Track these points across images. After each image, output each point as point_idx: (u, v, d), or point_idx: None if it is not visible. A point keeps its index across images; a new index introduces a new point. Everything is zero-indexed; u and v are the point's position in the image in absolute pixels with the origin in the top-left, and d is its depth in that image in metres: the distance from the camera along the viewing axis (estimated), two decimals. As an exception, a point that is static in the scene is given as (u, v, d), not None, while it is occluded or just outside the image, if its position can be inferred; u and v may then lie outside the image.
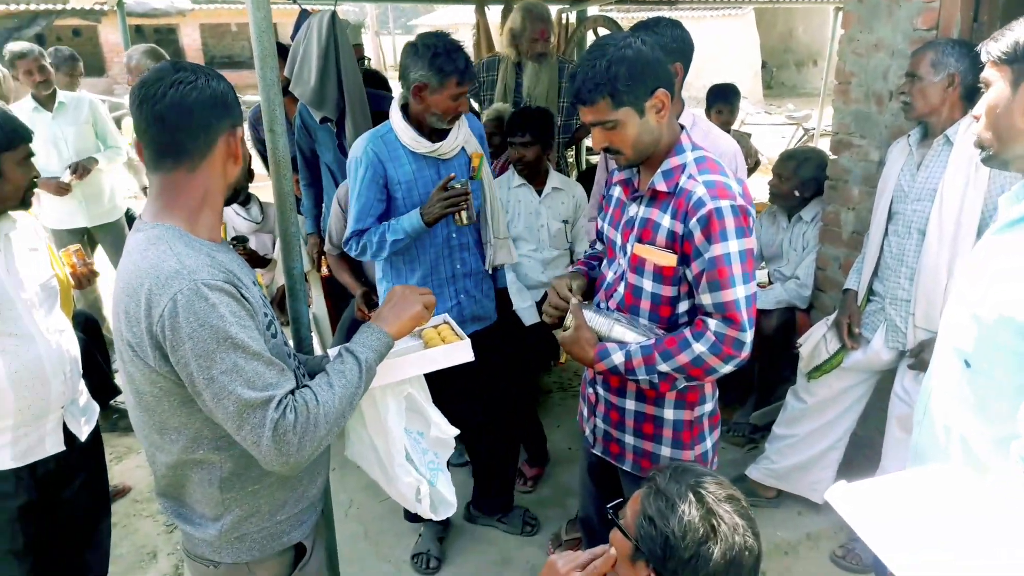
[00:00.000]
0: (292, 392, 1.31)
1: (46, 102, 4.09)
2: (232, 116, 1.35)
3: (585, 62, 1.60)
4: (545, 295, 3.29)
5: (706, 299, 1.60)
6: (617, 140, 1.62)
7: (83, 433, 2.10)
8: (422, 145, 2.33)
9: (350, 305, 3.34)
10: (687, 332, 1.62)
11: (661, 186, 1.65)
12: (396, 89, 3.17)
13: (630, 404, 1.82)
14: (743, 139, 5.05)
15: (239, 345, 1.24)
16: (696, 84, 17.17)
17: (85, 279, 2.49)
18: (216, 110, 1.31)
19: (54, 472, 2.03)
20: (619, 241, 1.79)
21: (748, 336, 1.59)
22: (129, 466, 3.50)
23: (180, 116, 1.27)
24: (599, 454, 1.94)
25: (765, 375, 3.42)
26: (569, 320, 1.73)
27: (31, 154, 1.94)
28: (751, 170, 5.23)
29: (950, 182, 2.23)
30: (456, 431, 1.67)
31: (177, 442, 1.35)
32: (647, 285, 1.70)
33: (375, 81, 4.23)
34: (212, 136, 1.31)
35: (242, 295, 1.29)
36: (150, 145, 1.31)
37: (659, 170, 1.66)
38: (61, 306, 2.12)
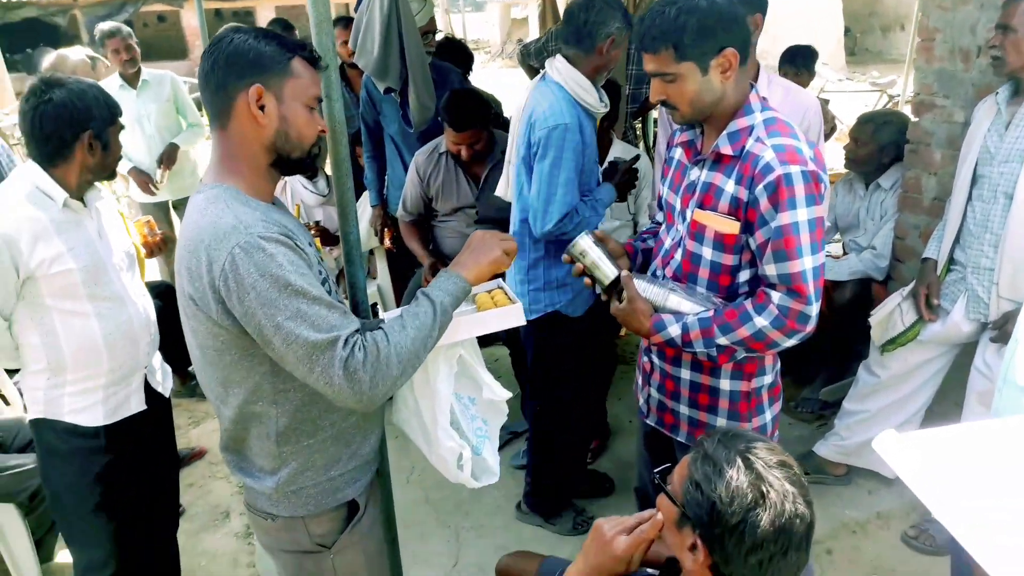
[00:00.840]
0: (360, 332, 1.33)
1: (132, 80, 4.29)
2: (254, 74, 1.32)
3: (655, 7, 1.53)
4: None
5: (771, 270, 1.53)
6: (675, 95, 1.56)
7: (166, 390, 2.23)
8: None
9: (415, 275, 3.39)
10: (748, 304, 1.56)
11: (726, 149, 1.58)
12: (479, 59, 3.16)
13: (685, 374, 1.78)
14: (822, 104, 4.83)
15: (300, 291, 1.26)
16: (773, 51, 16.55)
17: (156, 248, 2.61)
18: (232, 68, 1.31)
19: (136, 430, 2.14)
20: (679, 206, 1.73)
21: (814, 309, 1.52)
22: (206, 430, 3.67)
23: (205, 79, 1.34)
24: (653, 424, 1.91)
25: (838, 349, 3.29)
26: (620, 287, 1.68)
27: (122, 127, 2.04)
28: (827, 136, 5.01)
29: (1043, 142, 2.07)
30: (508, 394, 1.66)
31: (238, 395, 1.40)
32: (707, 253, 1.64)
33: (457, 51, 4.20)
34: (230, 95, 1.32)
35: (297, 245, 1.32)
36: (204, 107, 1.37)
37: (724, 132, 1.59)
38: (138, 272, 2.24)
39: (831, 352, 3.31)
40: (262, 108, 1.33)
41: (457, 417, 1.57)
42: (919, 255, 2.67)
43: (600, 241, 1.77)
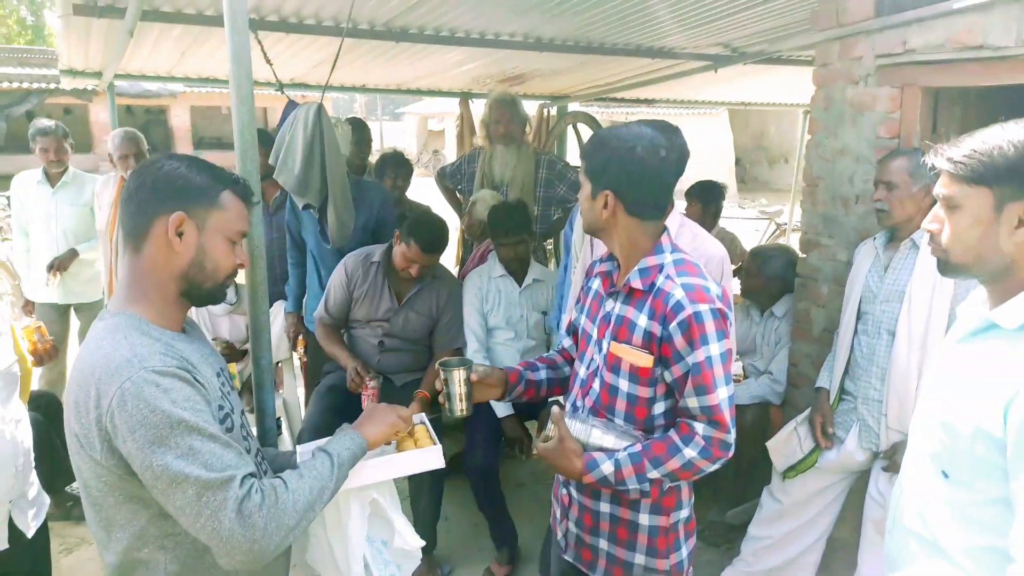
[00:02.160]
0: (255, 475, 1.27)
1: (53, 177, 4.19)
2: (177, 201, 1.31)
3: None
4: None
5: (692, 403, 1.59)
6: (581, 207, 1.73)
7: (30, 529, 2.01)
8: None
9: (324, 378, 3.30)
10: (675, 437, 1.60)
11: (636, 283, 1.65)
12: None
13: (605, 507, 1.77)
14: (732, 240, 5.07)
15: (193, 427, 1.20)
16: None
17: (46, 355, 2.45)
18: (160, 193, 1.31)
19: None
20: (595, 335, 1.78)
21: (732, 436, 1.59)
22: (81, 558, 3.31)
23: (127, 198, 1.32)
24: (571, 560, 1.87)
25: (739, 471, 3.38)
26: (551, 430, 1.65)
27: None
28: (737, 271, 5.30)
29: (918, 285, 2.28)
30: (422, 542, 1.61)
31: (122, 540, 1.30)
32: (623, 385, 1.68)
33: (400, 163, 4.31)
34: (148, 218, 1.31)
35: (196, 380, 1.26)
36: (120, 226, 1.36)
37: (636, 267, 1.67)
38: (20, 390, 2.06)
39: (734, 474, 3.39)
40: (180, 235, 1.31)
41: (368, 562, 1.50)
42: (812, 381, 2.82)
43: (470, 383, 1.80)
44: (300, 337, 3.80)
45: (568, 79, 5.51)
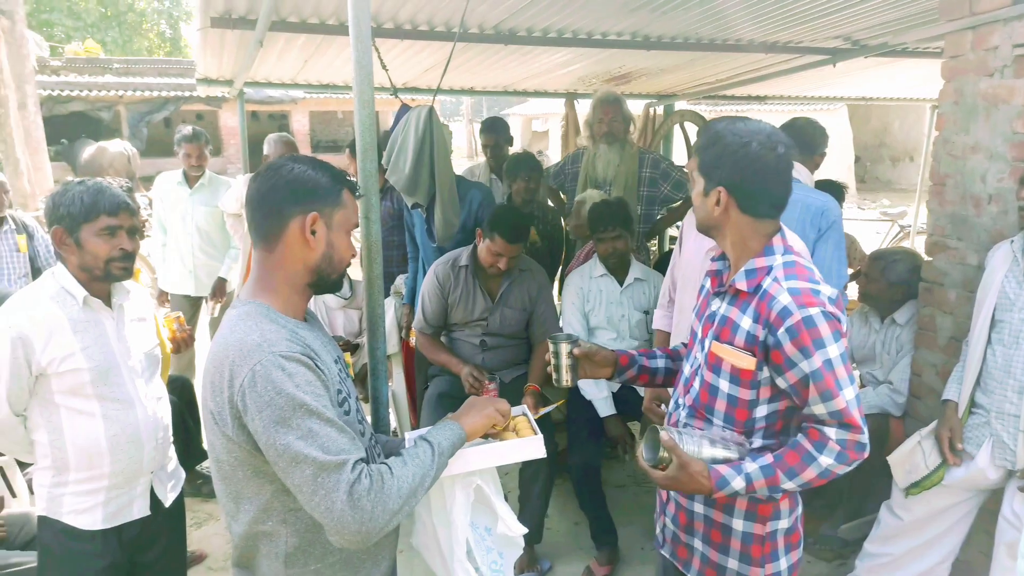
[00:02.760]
0: (365, 461, 1.34)
1: (191, 179, 4.59)
2: (311, 202, 1.40)
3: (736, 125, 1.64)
4: (622, 387, 3.26)
5: (819, 409, 1.53)
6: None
7: (168, 499, 2.17)
8: None
9: (431, 383, 3.40)
10: (807, 445, 1.54)
11: (742, 285, 1.62)
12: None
13: (698, 508, 1.75)
14: (851, 243, 4.85)
15: (313, 411, 1.28)
16: (785, 177, 17.07)
17: (183, 343, 2.65)
18: (291, 196, 1.39)
19: (137, 536, 2.11)
20: (700, 334, 1.76)
21: (866, 436, 1.53)
22: (208, 532, 3.58)
23: (260, 200, 1.41)
24: (667, 556, 1.86)
25: (856, 485, 3.22)
26: (666, 456, 1.59)
27: (118, 228, 1.97)
28: (857, 274, 5.05)
29: (1062, 293, 2.10)
30: (524, 530, 1.64)
31: (248, 512, 1.40)
32: (724, 386, 1.66)
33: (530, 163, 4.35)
34: (283, 219, 1.39)
35: (317, 366, 1.34)
36: (249, 227, 1.44)
37: (743, 268, 1.64)
38: (161, 372, 2.25)
39: (849, 487, 3.24)
40: (314, 233, 1.40)
41: (472, 548, 1.54)
42: (937, 392, 2.65)
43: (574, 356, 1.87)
44: (412, 328, 3.92)
45: (675, 77, 5.41)
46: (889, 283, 3.19)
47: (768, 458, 1.57)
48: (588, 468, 3.09)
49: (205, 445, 1.45)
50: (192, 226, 4.57)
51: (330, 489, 1.27)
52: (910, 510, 2.55)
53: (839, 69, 4.65)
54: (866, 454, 1.54)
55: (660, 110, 6.34)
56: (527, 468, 3.16)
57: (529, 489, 3.07)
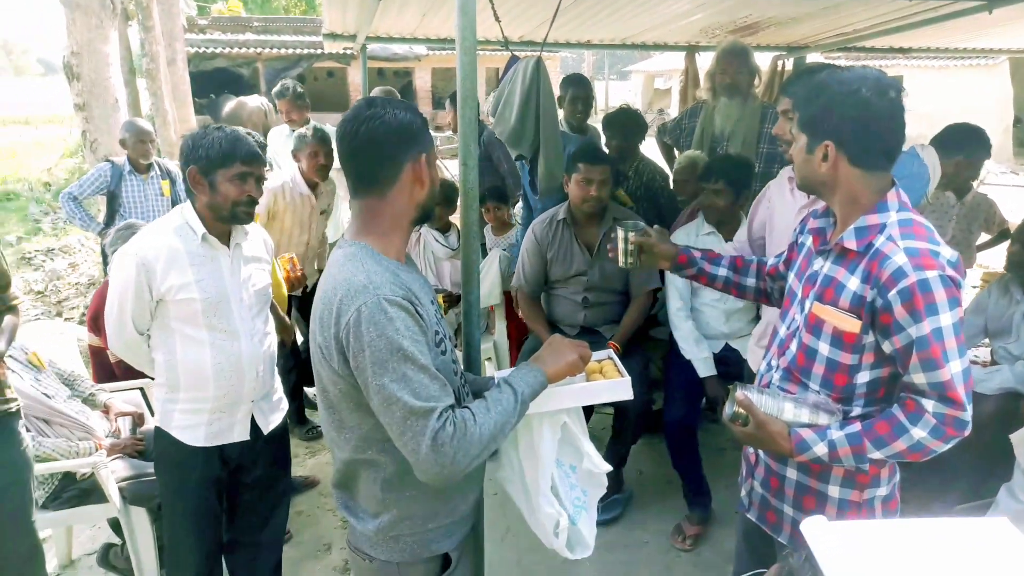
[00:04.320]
0: (452, 408, 1.40)
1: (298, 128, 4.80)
2: (418, 144, 1.47)
3: (832, 75, 1.54)
4: (724, 346, 3.19)
5: (919, 379, 1.45)
6: (787, 137, 1.66)
7: (267, 427, 2.33)
8: None
9: (529, 337, 3.47)
10: (900, 415, 1.47)
11: (851, 243, 1.53)
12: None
13: (791, 473, 1.70)
14: (990, 207, 4.48)
15: (409, 357, 1.34)
16: (932, 136, 15.68)
17: (296, 282, 2.83)
18: (402, 141, 1.45)
19: (239, 457, 2.30)
20: (799, 294, 1.69)
21: (969, 414, 1.44)
22: (321, 461, 3.86)
23: (370, 149, 1.44)
24: (754, 520, 1.83)
25: (975, 465, 3.00)
26: (741, 413, 1.57)
27: (249, 175, 2.10)
28: (997, 240, 4.64)
29: None
30: (608, 467, 1.66)
31: (351, 440, 1.49)
32: (823, 348, 1.58)
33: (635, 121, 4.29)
34: (399, 164, 1.45)
35: (417, 311, 1.40)
36: (350, 175, 1.49)
37: (852, 226, 1.54)
38: (278, 303, 2.41)
39: (968, 468, 3.03)
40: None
41: (557, 484, 1.59)
42: (1080, 373, 2.42)
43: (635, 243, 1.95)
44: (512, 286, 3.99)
45: (807, 27, 5.06)
46: None
47: (856, 425, 1.50)
48: (684, 427, 3.06)
49: (315, 377, 1.55)
50: None
51: (417, 432, 1.34)
52: (1033, 495, 2.37)
53: (996, 17, 4.18)
54: (966, 432, 1.44)
55: (790, 64, 5.98)
56: (618, 420, 3.18)
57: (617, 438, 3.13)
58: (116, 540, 2.91)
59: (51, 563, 3.00)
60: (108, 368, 3.13)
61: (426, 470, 1.37)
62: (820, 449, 1.51)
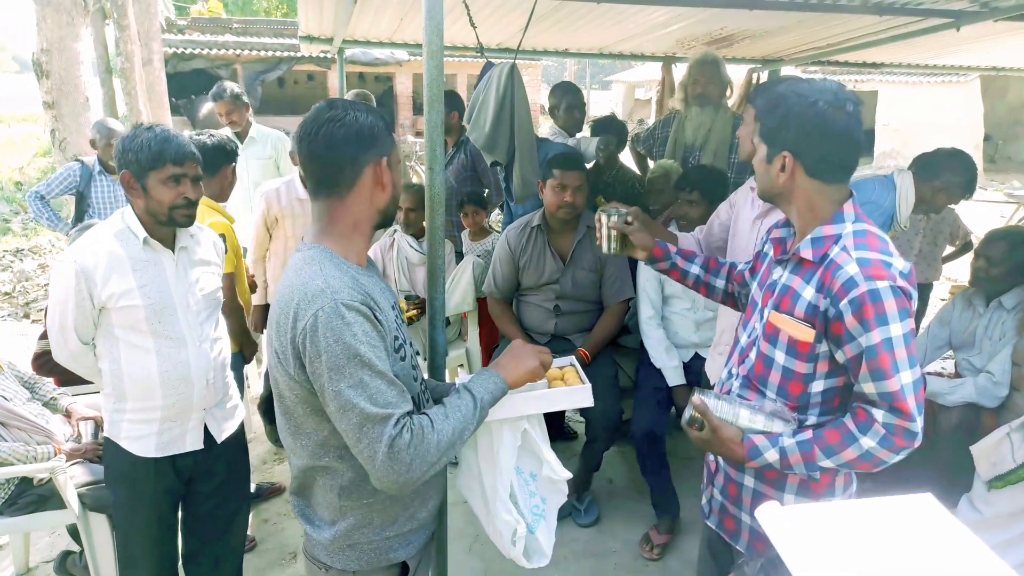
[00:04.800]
0: (410, 414, 1.38)
1: (240, 135, 4.72)
2: (379, 147, 1.45)
3: (789, 87, 1.54)
4: (694, 356, 3.20)
5: (868, 388, 1.46)
6: (748, 150, 1.66)
7: (221, 435, 2.26)
8: None
9: (500, 343, 3.46)
10: (850, 424, 1.49)
11: (807, 253, 1.55)
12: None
13: (748, 481, 1.71)
14: (955, 220, 4.60)
15: (366, 362, 1.33)
16: (904, 152, 15.96)
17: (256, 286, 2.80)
18: (362, 143, 1.42)
19: (193, 466, 2.23)
20: (759, 303, 1.71)
21: (919, 425, 1.44)
22: (287, 468, 3.80)
23: (329, 152, 1.42)
24: (714, 527, 1.83)
25: (937, 476, 3.04)
26: (698, 416, 1.59)
27: (182, 176, 2.03)
28: (960, 251, 4.74)
29: None
30: (568, 474, 1.65)
31: (307, 447, 1.47)
32: (779, 357, 1.60)
33: (616, 127, 4.38)
34: (359, 167, 1.43)
35: (376, 316, 1.38)
36: (309, 177, 1.47)
37: (808, 236, 1.57)
38: (244, 307, 2.36)
39: (930, 479, 3.06)
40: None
41: (515, 491, 1.58)
42: (1039, 385, 2.46)
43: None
44: (484, 291, 3.98)
45: (782, 40, 5.12)
46: (1013, 265, 2.96)
47: (807, 433, 1.52)
48: (652, 436, 3.07)
49: (271, 382, 1.52)
50: (249, 181, 4.66)
51: (373, 440, 1.32)
52: (992, 504, 2.40)
53: (964, 35, 4.26)
54: (916, 443, 1.45)
55: (764, 76, 6.05)
56: (589, 428, 3.19)
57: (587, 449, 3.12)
58: (75, 547, 2.85)
59: (8, 571, 2.93)
60: (53, 373, 3.03)
61: (382, 477, 1.36)
62: (771, 455, 1.53)
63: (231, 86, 4.76)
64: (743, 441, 1.55)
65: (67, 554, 2.86)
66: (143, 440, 2.12)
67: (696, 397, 1.59)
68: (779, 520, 0.88)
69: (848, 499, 1.68)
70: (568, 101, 4.08)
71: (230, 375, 2.34)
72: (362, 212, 1.48)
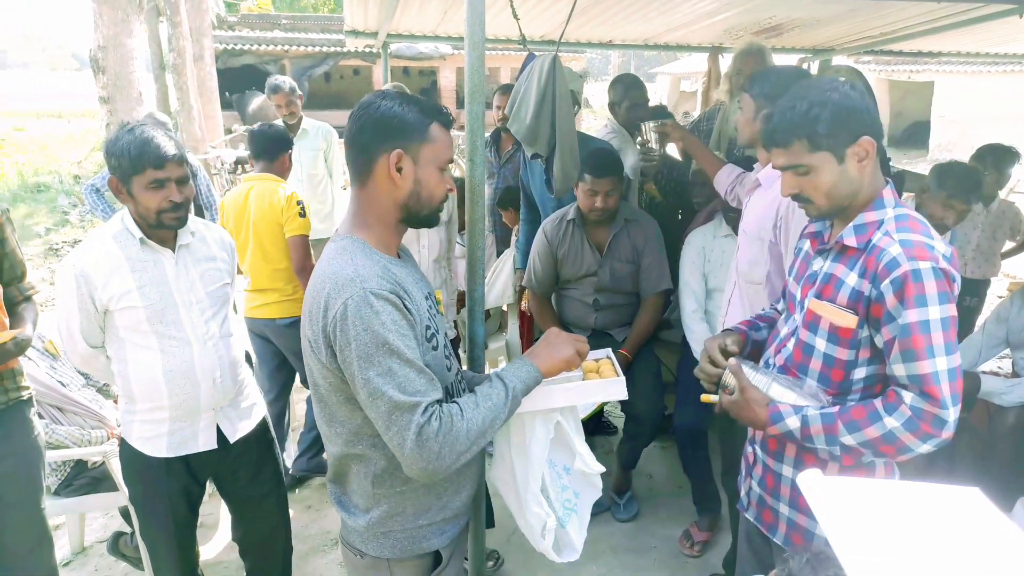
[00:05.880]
0: (439, 403, 1.39)
1: (292, 128, 4.84)
2: (399, 138, 1.41)
3: (783, 103, 1.53)
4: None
5: (899, 370, 1.43)
6: (809, 187, 1.53)
7: (234, 435, 2.22)
8: None
9: (538, 337, 3.45)
10: (878, 403, 1.46)
11: (851, 240, 1.53)
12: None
13: (787, 470, 1.68)
14: (1016, 214, 4.43)
15: (395, 351, 1.33)
16: (961, 144, 15.38)
17: None
18: (378, 133, 1.42)
19: (211, 467, 2.22)
20: (798, 295, 1.68)
21: (951, 414, 1.40)
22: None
23: (351, 139, 1.45)
24: (752, 519, 1.81)
25: (996, 479, 2.93)
26: (730, 380, 1.61)
27: (166, 180, 1.95)
28: (1021, 247, 4.56)
29: None
30: (601, 468, 1.64)
31: (341, 435, 1.49)
32: (820, 344, 1.57)
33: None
34: (372, 156, 1.43)
35: (405, 306, 1.39)
36: (347, 164, 1.48)
37: (851, 223, 1.54)
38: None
39: (988, 480, 2.95)
40: (400, 170, 1.43)
41: (547, 485, 1.57)
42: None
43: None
44: (526, 291, 3.94)
45: (833, 29, 4.99)
46: None
47: (834, 408, 1.50)
48: (695, 432, 3.03)
49: (306, 371, 1.54)
50: (302, 173, 4.79)
51: (402, 427, 1.33)
52: (1050, 510, 2.30)
53: (1029, 20, 4.09)
54: (945, 434, 1.40)
55: (815, 66, 5.89)
56: (630, 423, 3.16)
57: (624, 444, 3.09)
58: (127, 528, 2.95)
59: (64, 549, 3.05)
60: None
61: (411, 465, 1.36)
62: (793, 422, 1.52)
63: (288, 80, 4.90)
64: (768, 405, 1.56)
65: (119, 535, 2.95)
66: (154, 440, 2.10)
67: (733, 360, 1.61)
68: (821, 489, 0.87)
69: None
70: (632, 97, 3.90)
71: (245, 373, 2.30)
72: (382, 204, 1.47)
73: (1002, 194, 4.53)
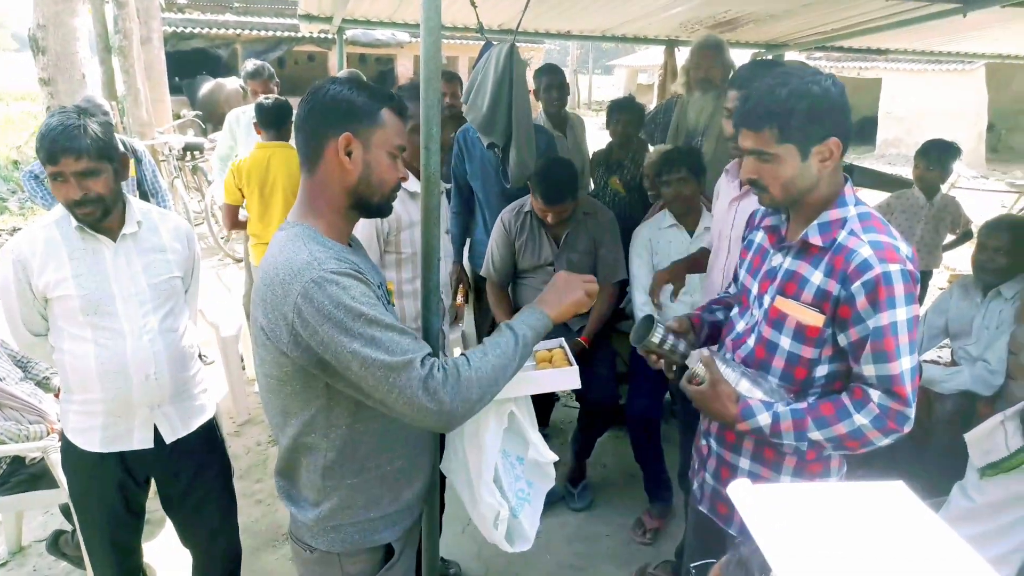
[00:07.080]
0: (435, 355, 1.36)
1: None
2: (346, 123, 1.39)
3: (763, 85, 1.49)
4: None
5: (868, 370, 1.46)
6: (769, 175, 1.51)
7: (171, 436, 2.09)
8: None
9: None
10: (846, 400, 1.49)
11: (815, 239, 1.53)
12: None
13: (744, 463, 1.70)
14: (956, 208, 4.59)
15: (373, 320, 1.30)
16: (907, 141, 15.87)
17: None
18: (327, 117, 1.40)
19: (149, 466, 2.11)
20: (755, 291, 1.69)
21: (912, 411, 1.46)
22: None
23: (300, 124, 1.43)
24: (705, 511, 1.83)
25: (930, 464, 3.04)
26: (701, 371, 1.59)
27: (63, 174, 1.83)
28: (960, 240, 4.72)
29: None
30: (554, 456, 1.64)
31: (295, 425, 1.45)
32: (784, 343, 1.58)
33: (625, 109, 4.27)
34: (321, 141, 1.41)
35: (368, 281, 1.37)
36: (297, 151, 1.46)
37: (815, 221, 1.54)
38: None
39: (925, 467, 3.06)
40: (349, 154, 1.40)
41: (500, 475, 1.57)
42: (1036, 375, 2.44)
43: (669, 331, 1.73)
44: (462, 285, 3.90)
45: (787, 24, 5.07)
46: (1015, 254, 2.94)
47: (803, 404, 1.52)
48: (646, 420, 3.06)
49: (255, 362, 1.49)
50: None
51: (403, 387, 1.29)
52: (984, 492, 2.40)
53: (970, 21, 4.21)
54: (906, 429, 1.46)
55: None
56: (585, 414, 3.18)
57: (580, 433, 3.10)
58: (67, 527, 2.85)
59: (0, 549, 2.94)
60: None
61: (426, 418, 1.32)
62: (764, 419, 1.53)
63: (267, 66, 4.86)
64: (738, 400, 1.55)
65: (59, 533, 2.86)
66: (87, 433, 2.02)
67: (705, 351, 1.59)
68: (750, 497, 0.89)
69: (842, 479, 1.68)
70: (547, 81, 4.02)
71: (196, 370, 2.19)
72: (331, 191, 1.44)
73: (944, 188, 4.69)
